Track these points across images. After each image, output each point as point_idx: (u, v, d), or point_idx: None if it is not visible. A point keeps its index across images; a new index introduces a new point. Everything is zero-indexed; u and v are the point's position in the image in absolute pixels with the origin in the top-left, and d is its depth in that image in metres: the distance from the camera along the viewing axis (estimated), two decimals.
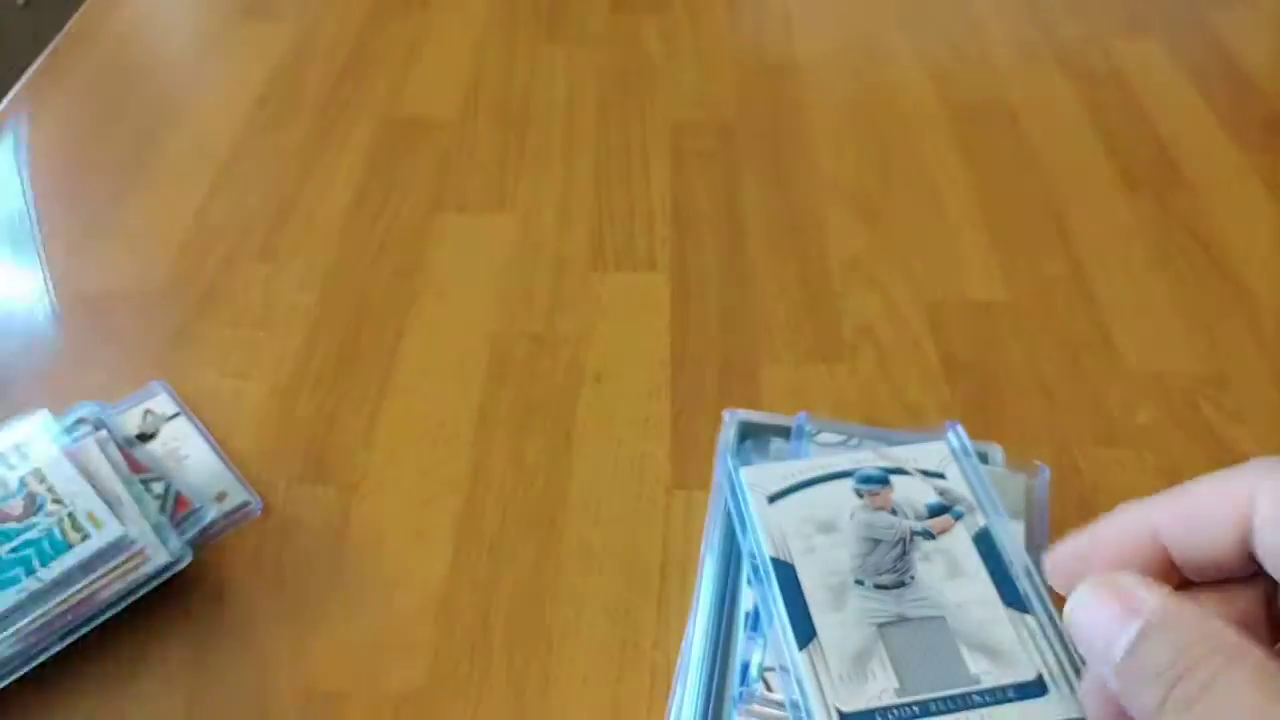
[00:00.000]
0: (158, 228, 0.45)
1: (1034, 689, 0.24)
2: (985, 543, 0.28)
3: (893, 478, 0.30)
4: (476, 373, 0.39)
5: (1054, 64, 0.56)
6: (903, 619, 0.26)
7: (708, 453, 0.36)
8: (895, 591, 0.27)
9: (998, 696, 0.24)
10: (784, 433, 0.34)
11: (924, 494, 0.29)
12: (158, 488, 0.34)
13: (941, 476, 0.30)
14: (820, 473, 0.30)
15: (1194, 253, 0.45)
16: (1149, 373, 0.39)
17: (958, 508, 0.29)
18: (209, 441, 0.36)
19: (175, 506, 0.34)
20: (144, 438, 0.36)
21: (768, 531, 0.28)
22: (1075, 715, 0.24)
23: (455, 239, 0.45)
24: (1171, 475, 0.36)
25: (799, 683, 0.25)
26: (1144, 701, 0.17)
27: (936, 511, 0.29)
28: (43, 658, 0.30)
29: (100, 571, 0.30)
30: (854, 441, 0.33)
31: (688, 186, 0.48)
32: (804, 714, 0.25)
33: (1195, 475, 0.36)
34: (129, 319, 0.41)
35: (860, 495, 0.29)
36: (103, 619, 0.31)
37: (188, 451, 0.36)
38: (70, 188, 0.48)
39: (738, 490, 0.30)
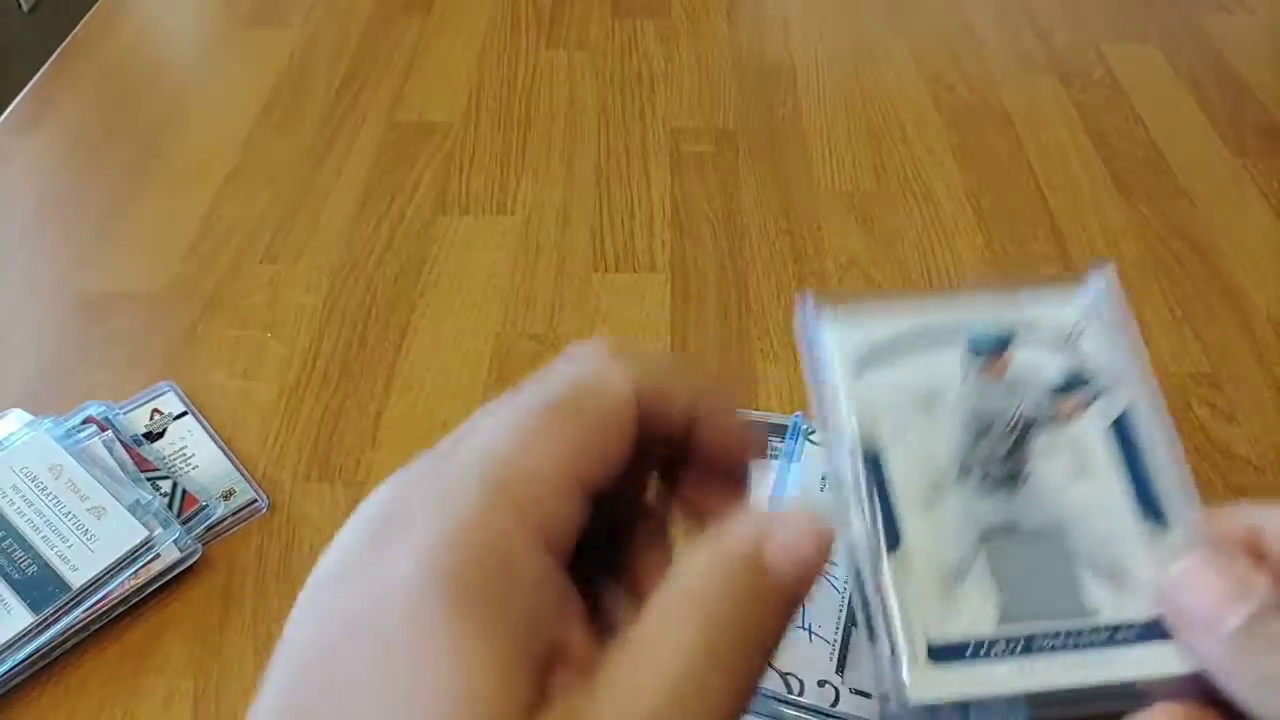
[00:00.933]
0: (165, 230, 0.46)
1: (1158, 630, 0.19)
2: (1125, 433, 0.21)
3: (1018, 340, 0.23)
4: (479, 372, 0.39)
5: (1049, 69, 0.57)
6: (1012, 528, 0.21)
7: None
8: (1006, 492, 0.21)
9: (1115, 637, 0.20)
10: (780, 431, 0.34)
11: (1052, 365, 0.23)
12: (165, 486, 0.34)
13: (1077, 342, 0.23)
14: (924, 327, 0.23)
15: (1187, 255, 0.45)
16: None
17: (1095, 385, 0.22)
18: (216, 440, 0.37)
19: (183, 504, 0.34)
20: (151, 436, 0.37)
21: (857, 407, 0.22)
22: (1189, 670, 0.19)
23: (458, 241, 0.45)
24: None
25: (880, 596, 0.20)
26: (1267, 670, 0.17)
27: (1066, 388, 0.22)
28: (54, 655, 0.30)
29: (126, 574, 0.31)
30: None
31: (687, 189, 0.48)
32: (883, 638, 0.19)
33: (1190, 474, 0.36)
34: (137, 320, 0.42)
35: (972, 363, 0.23)
36: (112, 616, 0.31)
37: (195, 450, 0.36)
38: (79, 191, 0.48)
39: (819, 354, 0.23)
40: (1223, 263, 0.45)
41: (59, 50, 0.58)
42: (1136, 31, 0.59)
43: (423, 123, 0.52)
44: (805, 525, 0.17)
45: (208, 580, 0.33)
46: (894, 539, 0.21)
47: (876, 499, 0.21)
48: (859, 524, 0.21)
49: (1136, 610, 0.20)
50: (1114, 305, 0.23)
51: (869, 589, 0.20)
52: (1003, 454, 0.22)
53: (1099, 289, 0.23)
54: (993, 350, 0.23)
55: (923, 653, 0.19)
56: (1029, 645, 0.20)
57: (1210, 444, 0.37)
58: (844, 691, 0.28)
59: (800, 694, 0.28)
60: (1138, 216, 0.47)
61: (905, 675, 0.19)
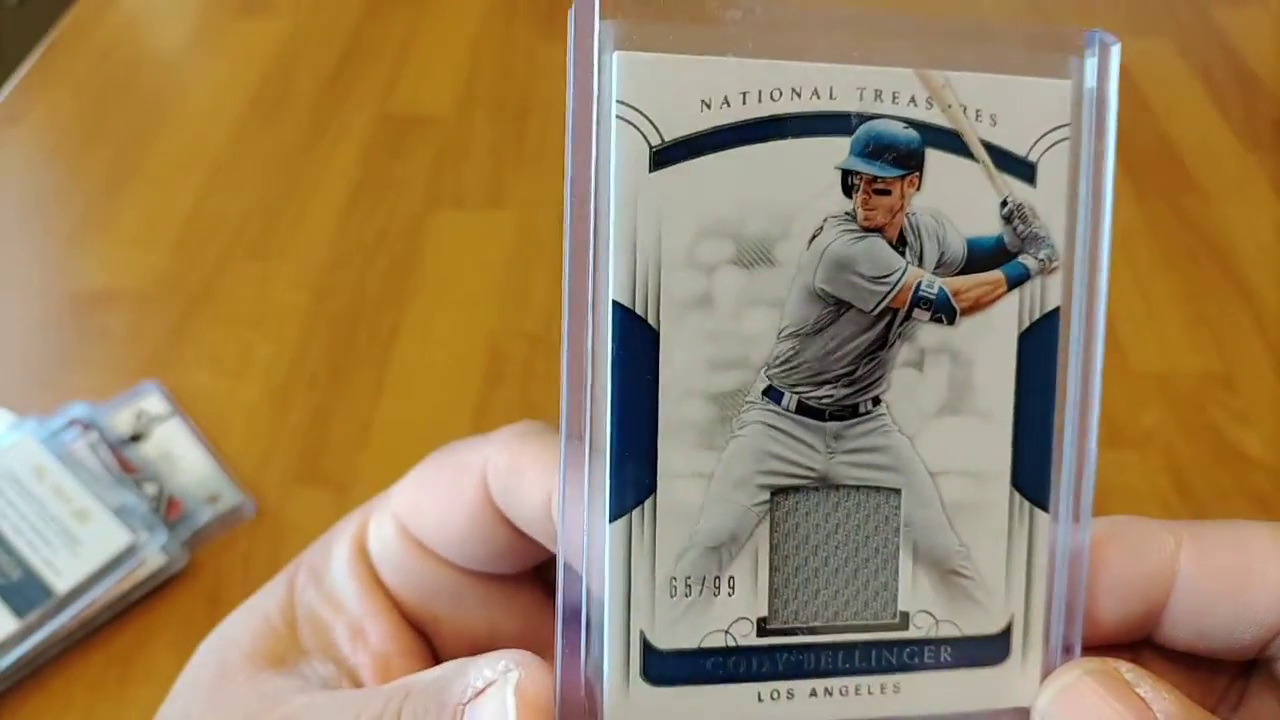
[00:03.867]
0: (150, 226, 0.45)
1: (989, 650, 0.14)
2: (1041, 346, 0.14)
3: (933, 155, 0.14)
4: (473, 373, 0.39)
5: None
6: (823, 484, 0.14)
7: None
8: (831, 425, 0.14)
9: (924, 658, 0.14)
10: None
11: (977, 207, 0.14)
12: (150, 489, 0.34)
13: (1028, 171, 0.14)
14: (784, 109, 0.13)
15: (1200, 254, 0.44)
16: (1155, 374, 0.39)
17: (1028, 255, 0.14)
18: (201, 442, 0.36)
19: (168, 509, 0.33)
20: (136, 439, 0.36)
21: (631, 239, 0.13)
22: (1025, 703, 0.14)
23: (451, 236, 0.44)
24: (1178, 477, 0.35)
25: (588, 576, 0.13)
26: None
27: (983, 256, 0.14)
28: (38, 662, 0.29)
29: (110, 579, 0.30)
30: None
31: None
32: (581, 632, 0.13)
33: (1202, 477, 0.36)
34: (121, 318, 0.41)
35: (850, 186, 0.13)
36: (97, 622, 0.30)
37: (180, 453, 0.35)
38: (62, 186, 0.48)
39: (592, 103, 0.13)
40: (1236, 260, 0.44)
41: (44, 43, 0.56)
42: (1148, 24, 0.58)
43: (415, 115, 0.51)
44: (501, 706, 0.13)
45: (193, 586, 0.32)
46: (638, 486, 0.13)
47: (617, 413, 0.13)
48: (581, 455, 0.13)
49: (966, 623, 0.14)
50: (1099, 118, 0.14)
51: (575, 560, 0.13)
52: (853, 357, 0.13)
53: (1092, 68, 0.14)
54: (894, 166, 0.13)
55: (636, 664, 0.13)
56: (798, 665, 0.13)
57: (1224, 446, 0.37)
58: None
59: None
60: (1149, 212, 0.46)
61: (603, 696, 0.13)
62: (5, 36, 0.95)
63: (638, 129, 0.13)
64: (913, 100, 0.13)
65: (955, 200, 0.14)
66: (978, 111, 0.14)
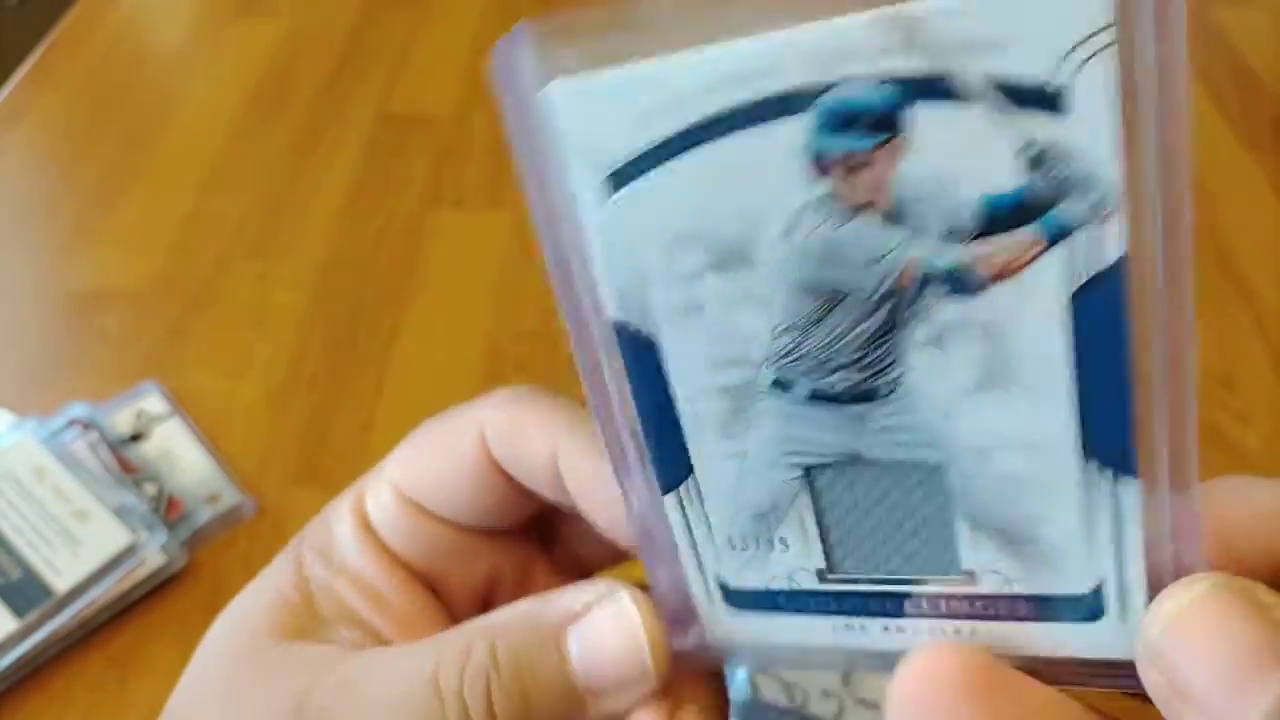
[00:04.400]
0: (149, 226, 0.45)
1: (1079, 607, 0.13)
2: (1100, 309, 0.12)
3: (918, 109, 0.11)
4: (473, 372, 0.39)
5: None
6: (854, 459, 0.13)
7: None
8: (852, 408, 0.13)
9: (1000, 610, 0.13)
10: None
11: (989, 158, 0.11)
12: (150, 489, 0.34)
13: (1055, 100, 0.11)
14: (730, 101, 0.12)
15: (1200, 253, 0.44)
16: None
17: (1068, 202, 0.11)
18: (201, 442, 0.36)
19: (167, 508, 0.33)
20: (136, 439, 0.36)
21: (608, 263, 0.13)
22: (1128, 656, 0.13)
23: (451, 236, 0.44)
24: None
25: (655, 533, 0.14)
26: None
27: (1005, 216, 0.12)
28: (38, 662, 0.29)
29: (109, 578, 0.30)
30: None
31: None
32: (670, 572, 0.14)
33: (1202, 477, 0.35)
34: (121, 318, 0.41)
35: (822, 167, 0.12)
36: (97, 622, 0.30)
37: (180, 453, 0.35)
38: (62, 187, 0.48)
39: (541, 144, 0.13)
40: (1236, 260, 0.44)
41: (43, 44, 0.57)
42: None
43: (414, 115, 0.51)
44: (618, 635, 0.14)
45: (193, 586, 0.32)
46: (677, 469, 0.14)
47: (641, 419, 0.14)
48: (625, 445, 0.14)
49: (1044, 582, 0.13)
50: (1161, 6, 0.11)
51: (641, 529, 0.14)
52: (857, 346, 0.12)
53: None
54: (866, 133, 0.11)
55: (717, 594, 0.15)
56: (863, 605, 0.14)
57: (1224, 446, 0.37)
58: (850, 703, 0.28)
59: (803, 705, 0.28)
60: None
61: (697, 610, 0.15)
62: (5, 36, 0.95)
63: (584, 159, 0.12)
64: (882, 50, 0.11)
65: (958, 156, 0.11)
66: (970, 42, 0.11)
